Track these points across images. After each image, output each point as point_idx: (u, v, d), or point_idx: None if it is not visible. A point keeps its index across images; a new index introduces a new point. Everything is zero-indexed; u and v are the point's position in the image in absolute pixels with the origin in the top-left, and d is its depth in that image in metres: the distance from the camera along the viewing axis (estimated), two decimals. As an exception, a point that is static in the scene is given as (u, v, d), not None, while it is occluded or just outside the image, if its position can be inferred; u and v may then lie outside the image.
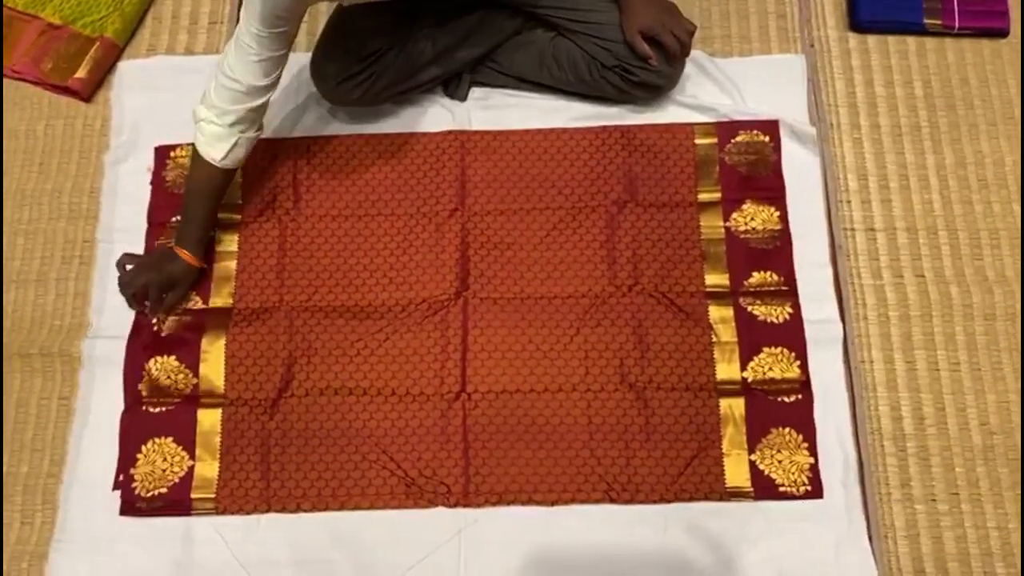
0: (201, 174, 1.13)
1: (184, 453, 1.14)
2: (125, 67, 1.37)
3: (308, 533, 1.11)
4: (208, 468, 1.14)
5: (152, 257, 1.21)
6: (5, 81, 1.37)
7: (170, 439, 1.15)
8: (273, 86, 1.10)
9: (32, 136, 1.34)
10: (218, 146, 1.10)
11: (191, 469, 1.14)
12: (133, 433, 1.16)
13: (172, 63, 1.37)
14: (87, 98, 1.36)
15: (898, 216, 1.27)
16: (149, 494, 1.12)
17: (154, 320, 1.20)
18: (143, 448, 1.15)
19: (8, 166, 1.33)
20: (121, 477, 1.14)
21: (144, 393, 1.17)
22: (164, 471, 1.13)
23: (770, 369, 1.16)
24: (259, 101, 1.09)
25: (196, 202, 1.16)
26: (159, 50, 1.39)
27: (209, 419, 1.16)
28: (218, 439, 1.15)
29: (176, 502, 1.12)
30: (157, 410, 1.16)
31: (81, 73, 1.33)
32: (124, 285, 1.20)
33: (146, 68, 1.37)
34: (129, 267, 1.20)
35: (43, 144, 1.34)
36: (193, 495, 1.12)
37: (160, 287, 1.18)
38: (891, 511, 1.12)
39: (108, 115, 1.35)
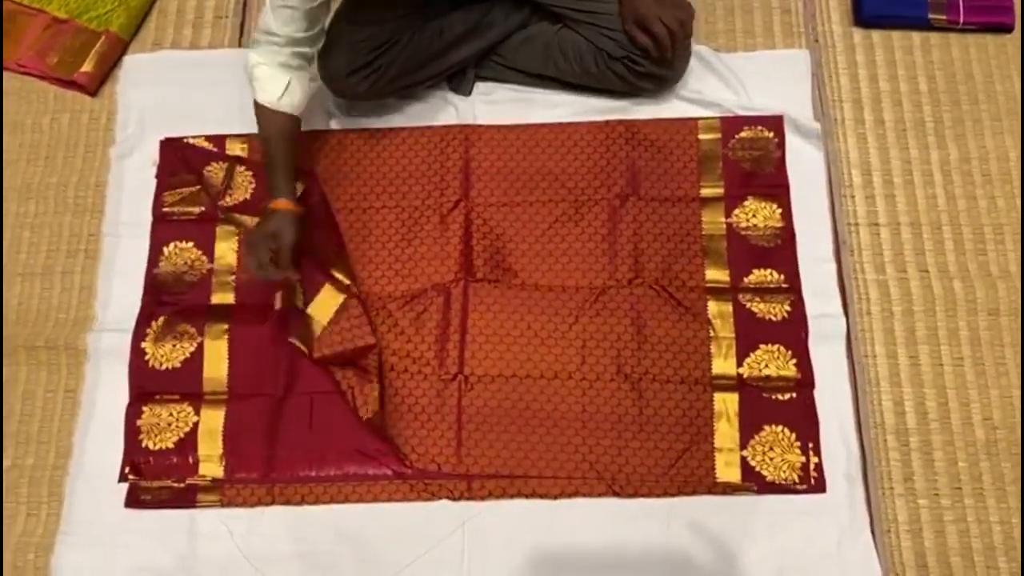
0: (268, 125, 1.14)
1: (189, 408, 1.16)
2: (130, 61, 1.38)
3: (312, 526, 1.11)
4: (213, 419, 1.15)
5: (257, 226, 1.16)
6: (11, 75, 1.37)
7: (175, 395, 1.17)
8: (316, 38, 1.13)
9: (38, 130, 1.35)
10: (272, 86, 1.11)
11: (196, 425, 1.15)
12: (140, 387, 1.18)
13: (177, 57, 1.37)
14: (93, 92, 1.36)
15: (902, 211, 1.27)
16: (148, 488, 1.13)
17: (281, 279, 1.14)
18: (148, 403, 1.17)
19: (14, 160, 1.33)
20: (126, 473, 1.14)
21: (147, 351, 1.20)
22: (170, 424, 1.15)
23: (766, 366, 1.16)
24: (303, 48, 1.11)
25: (273, 152, 1.15)
26: (164, 45, 1.39)
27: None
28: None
29: (180, 495, 1.13)
30: (163, 368, 1.18)
31: (87, 67, 1.34)
32: (255, 266, 1.12)
33: (151, 62, 1.37)
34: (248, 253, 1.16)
35: (49, 138, 1.34)
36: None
37: (268, 246, 1.11)
38: (894, 505, 1.13)
39: (113, 109, 1.35)
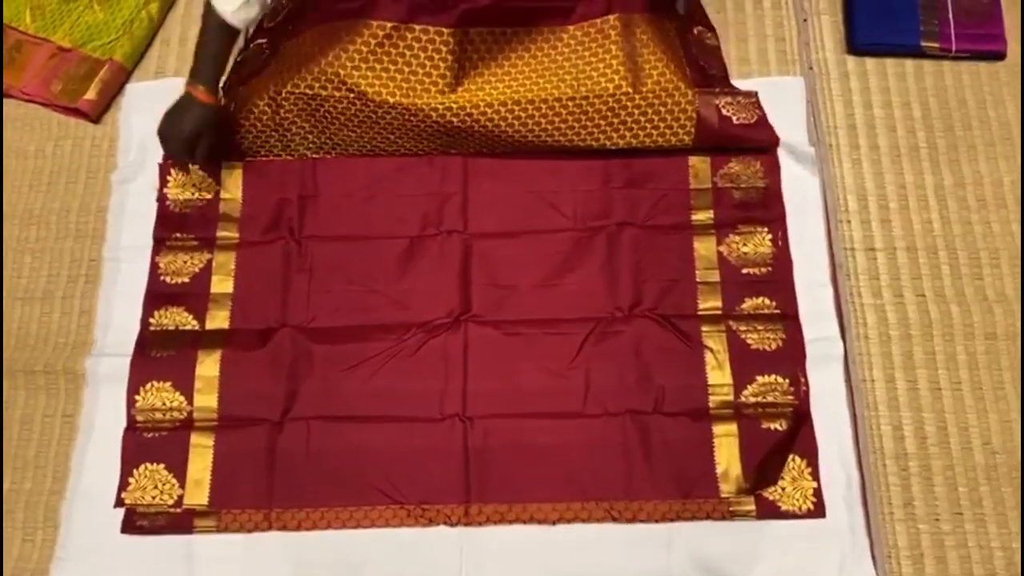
0: (212, 25, 1.14)
1: (174, 481, 1.14)
2: (133, 89, 1.39)
3: (309, 551, 1.11)
4: (198, 497, 1.13)
5: (170, 108, 1.20)
6: (16, 102, 1.39)
7: (162, 466, 1.15)
8: None
9: (41, 156, 1.36)
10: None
11: (180, 498, 1.13)
12: (128, 455, 1.15)
13: (179, 85, 1.35)
14: (95, 119, 1.37)
15: (898, 236, 1.27)
16: (145, 513, 1.12)
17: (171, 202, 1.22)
18: (135, 472, 1.14)
19: (17, 185, 1.34)
20: (123, 495, 1.14)
21: (138, 419, 1.17)
22: (154, 498, 1.13)
23: (763, 396, 1.16)
24: None
25: (208, 47, 1.16)
26: (167, 72, 1.41)
27: (201, 447, 1.15)
28: (208, 473, 1.14)
29: (177, 520, 1.12)
30: (150, 435, 1.16)
31: (90, 95, 1.36)
32: (163, 143, 1.21)
33: (154, 90, 1.38)
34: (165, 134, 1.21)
35: (51, 164, 1.35)
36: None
37: (183, 135, 1.18)
38: (894, 531, 1.12)
39: (115, 136, 1.36)
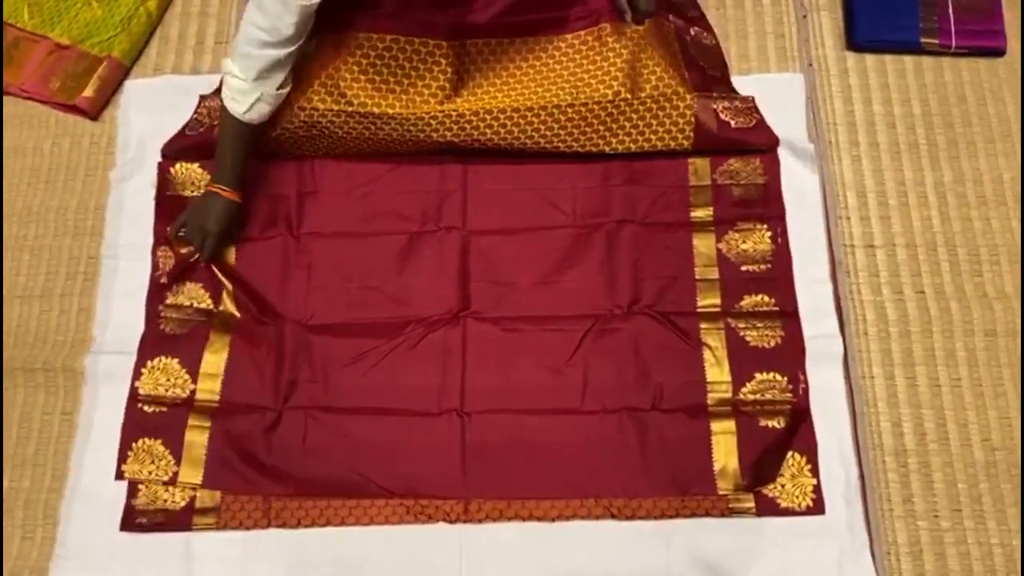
0: (229, 125, 1.17)
1: (170, 457, 1.15)
2: (131, 86, 1.39)
3: (308, 549, 1.11)
4: (192, 475, 1.14)
5: (193, 203, 1.23)
6: (14, 100, 1.38)
7: (159, 441, 1.16)
8: (300, 37, 1.12)
9: (39, 154, 1.36)
10: (242, 100, 1.13)
11: (175, 475, 1.14)
12: (128, 427, 1.16)
13: (178, 82, 1.38)
14: (94, 116, 1.37)
15: (897, 233, 1.27)
16: (145, 502, 1.13)
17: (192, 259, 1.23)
18: (132, 446, 1.15)
19: (15, 183, 1.34)
20: (123, 468, 1.15)
21: (141, 392, 1.18)
22: (151, 473, 1.14)
23: (762, 394, 1.16)
24: (284, 52, 1.11)
25: (227, 146, 1.18)
26: (165, 70, 1.41)
27: (199, 427, 1.16)
28: (204, 451, 1.15)
29: (176, 518, 1.12)
30: (150, 410, 1.17)
31: (88, 92, 1.35)
32: (178, 235, 1.23)
33: (152, 87, 1.38)
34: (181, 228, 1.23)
35: (50, 162, 1.35)
36: (194, 510, 1.13)
37: (202, 230, 1.20)
38: (893, 527, 1.12)
39: (114, 133, 1.36)
